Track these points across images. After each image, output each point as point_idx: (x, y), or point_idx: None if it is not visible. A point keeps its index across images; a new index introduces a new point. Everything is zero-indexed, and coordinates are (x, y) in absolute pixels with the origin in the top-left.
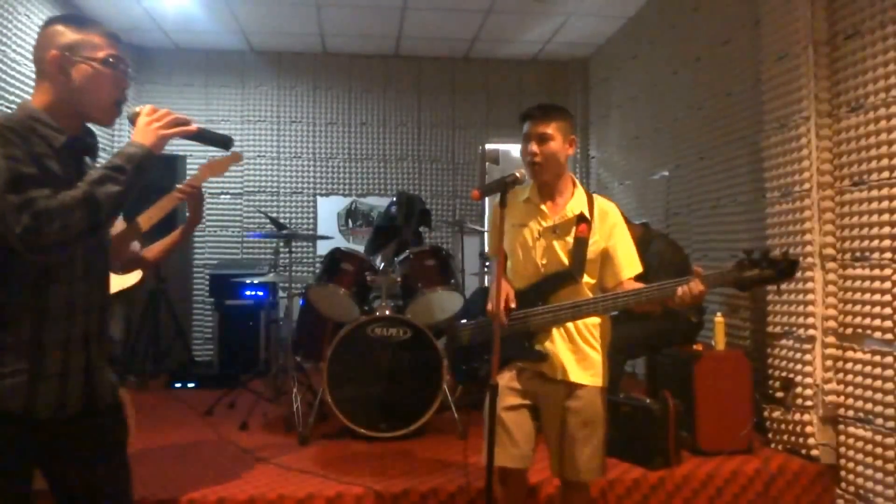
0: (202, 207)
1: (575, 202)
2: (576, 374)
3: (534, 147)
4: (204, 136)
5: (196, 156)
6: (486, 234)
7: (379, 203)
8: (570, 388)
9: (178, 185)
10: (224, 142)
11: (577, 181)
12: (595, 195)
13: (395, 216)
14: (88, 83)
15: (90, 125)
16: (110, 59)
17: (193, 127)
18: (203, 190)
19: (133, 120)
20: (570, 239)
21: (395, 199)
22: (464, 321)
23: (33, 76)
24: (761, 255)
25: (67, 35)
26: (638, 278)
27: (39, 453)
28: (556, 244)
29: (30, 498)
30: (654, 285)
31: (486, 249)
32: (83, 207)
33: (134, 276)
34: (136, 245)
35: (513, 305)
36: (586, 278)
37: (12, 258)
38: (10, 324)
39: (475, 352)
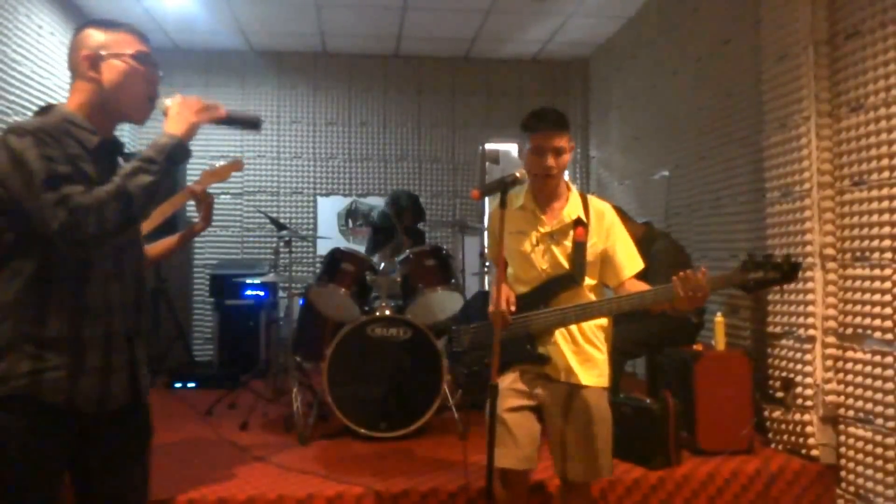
0: (211, 211)
1: (571, 207)
2: (581, 376)
3: (551, 161)
4: (234, 120)
5: (196, 155)
6: (485, 235)
7: (379, 203)
8: (575, 389)
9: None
10: (254, 122)
11: (571, 184)
12: (589, 196)
13: (389, 215)
14: (121, 79)
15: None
16: (140, 55)
17: (223, 111)
18: (208, 192)
19: (165, 112)
20: (568, 243)
21: (387, 199)
22: (464, 326)
23: (33, 76)
24: (764, 257)
25: (98, 36)
26: (639, 276)
27: (76, 448)
28: (556, 249)
29: (62, 489)
30: (659, 287)
31: (487, 253)
32: (117, 200)
33: None
34: None
35: (513, 309)
36: (587, 280)
37: (51, 257)
38: (51, 321)
39: (475, 355)
